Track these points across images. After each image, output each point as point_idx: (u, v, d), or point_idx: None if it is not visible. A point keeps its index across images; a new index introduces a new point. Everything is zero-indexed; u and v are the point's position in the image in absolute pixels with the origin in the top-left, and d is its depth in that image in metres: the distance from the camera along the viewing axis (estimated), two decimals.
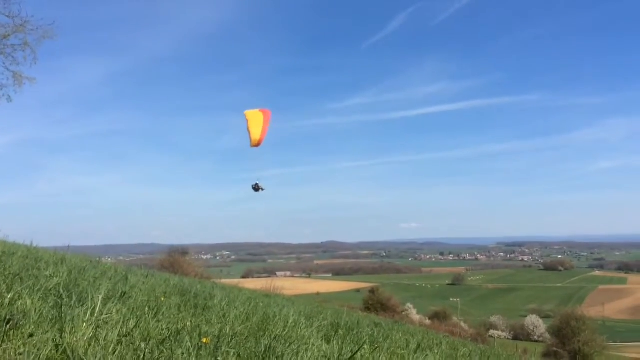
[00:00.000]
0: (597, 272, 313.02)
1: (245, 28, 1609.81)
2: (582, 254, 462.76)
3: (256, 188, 16.92)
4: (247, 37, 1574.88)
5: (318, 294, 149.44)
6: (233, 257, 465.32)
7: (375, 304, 75.15)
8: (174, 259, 57.66)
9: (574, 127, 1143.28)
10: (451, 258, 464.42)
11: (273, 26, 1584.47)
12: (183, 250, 71.30)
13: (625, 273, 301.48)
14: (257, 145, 14.96)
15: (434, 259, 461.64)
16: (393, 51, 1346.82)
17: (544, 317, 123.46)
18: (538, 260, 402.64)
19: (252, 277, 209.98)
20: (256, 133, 14.93)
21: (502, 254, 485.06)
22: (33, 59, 27.39)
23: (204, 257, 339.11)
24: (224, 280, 55.66)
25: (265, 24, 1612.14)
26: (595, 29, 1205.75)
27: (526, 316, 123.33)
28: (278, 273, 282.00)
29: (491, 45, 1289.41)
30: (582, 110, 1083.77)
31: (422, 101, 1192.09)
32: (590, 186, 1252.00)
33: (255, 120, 15.19)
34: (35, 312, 5.22)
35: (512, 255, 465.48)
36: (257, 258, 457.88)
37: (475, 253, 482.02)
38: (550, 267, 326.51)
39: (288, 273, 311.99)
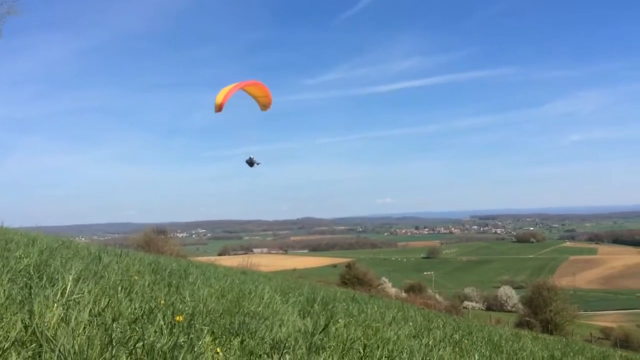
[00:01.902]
0: (568, 243, 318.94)
1: (216, 2, 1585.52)
2: (554, 225, 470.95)
3: (250, 162, 16.62)
4: (218, 12, 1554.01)
5: (295, 270, 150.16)
6: (209, 234, 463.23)
7: (351, 278, 76.03)
8: (149, 238, 57.34)
9: (545, 101, 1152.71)
10: (426, 232, 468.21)
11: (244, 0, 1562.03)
12: (159, 229, 70.79)
13: (596, 244, 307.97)
14: (219, 109, 14.37)
15: (409, 233, 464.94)
16: (367, 26, 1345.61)
17: (517, 287, 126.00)
18: (511, 233, 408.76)
19: (229, 255, 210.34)
20: (219, 97, 14.34)
21: (475, 226, 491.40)
22: None
23: (180, 235, 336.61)
24: (200, 258, 55.65)
25: None
26: (567, 1, 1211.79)
27: (499, 287, 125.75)
28: (255, 250, 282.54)
29: (465, 20, 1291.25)
30: (553, 83, 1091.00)
31: (396, 76, 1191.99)
32: (561, 159, 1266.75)
33: (225, 88, 14.69)
34: (3, 294, 5.13)
35: (486, 228, 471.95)
36: (233, 235, 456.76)
37: (450, 226, 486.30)
38: (522, 239, 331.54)
39: (265, 250, 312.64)
